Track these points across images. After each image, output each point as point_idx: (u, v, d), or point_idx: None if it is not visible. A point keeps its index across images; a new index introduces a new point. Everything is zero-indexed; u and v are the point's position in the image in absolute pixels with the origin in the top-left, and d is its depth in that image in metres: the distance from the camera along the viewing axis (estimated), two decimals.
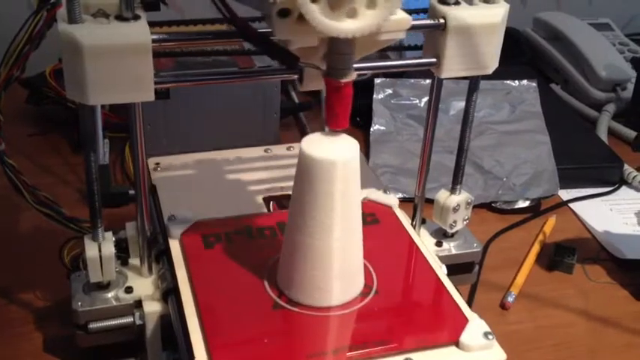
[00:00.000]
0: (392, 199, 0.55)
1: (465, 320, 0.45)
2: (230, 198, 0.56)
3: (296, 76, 0.45)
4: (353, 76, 0.43)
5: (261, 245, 0.50)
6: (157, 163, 0.59)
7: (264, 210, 0.55)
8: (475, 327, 0.44)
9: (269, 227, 0.52)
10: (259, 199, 0.56)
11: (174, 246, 0.49)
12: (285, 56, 0.41)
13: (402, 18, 0.43)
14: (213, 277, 0.47)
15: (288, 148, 0.62)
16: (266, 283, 0.47)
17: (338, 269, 0.44)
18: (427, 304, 0.48)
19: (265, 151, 0.62)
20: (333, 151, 0.43)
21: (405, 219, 0.54)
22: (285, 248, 0.46)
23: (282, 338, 0.44)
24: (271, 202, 0.56)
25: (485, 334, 0.43)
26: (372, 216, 0.54)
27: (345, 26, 0.39)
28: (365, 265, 0.47)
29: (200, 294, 0.45)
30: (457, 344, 0.43)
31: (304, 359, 0.41)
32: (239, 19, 0.39)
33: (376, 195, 0.56)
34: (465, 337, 0.43)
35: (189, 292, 0.46)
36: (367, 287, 0.47)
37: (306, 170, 0.43)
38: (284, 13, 0.39)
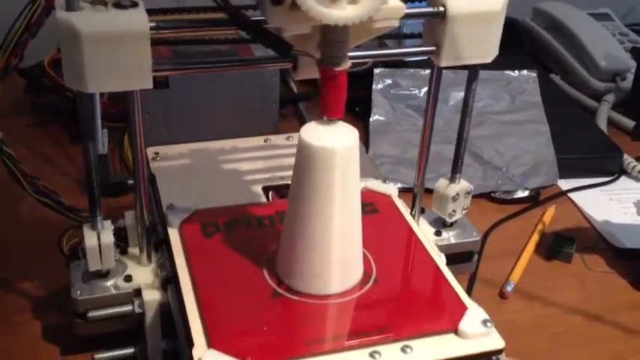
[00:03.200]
0: (391, 189, 0.55)
1: (463, 308, 0.45)
2: (229, 187, 0.56)
3: (290, 65, 0.45)
4: (348, 64, 0.42)
5: (260, 234, 0.50)
6: (156, 153, 0.59)
7: (263, 199, 0.55)
8: (474, 315, 0.44)
9: (268, 216, 0.52)
10: (258, 188, 0.56)
11: (174, 235, 0.49)
12: (278, 44, 0.41)
13: (396, 5, 0.43)
14: (212, 265, 0.47)
15: (288, 138, 0.62)
16: (265, 272, 0.47)
17: (337, 257, 0.44)
18: (426, 292, 0.48)
19: (265, 140, 0.62)
20: (333, 139, 0.43)
21: (404, 208, 0.54)
22: (285, 237, 0.46)
23: (282, 326, 0.44)
24: (270, 192, 0.56)
25: (484, 322, 0.43)
26: (371, 205, 0.53)
27: (339, 14, 0.39)
28: (364, 254, 0.47)
29: (199, 283, 0.45)
30: (456, 332, 0.43)
31: (303, 346, 0.41)
32: (231, 7, 0.39)
33: (375, 184, 0.55)
34: (463, 325, 0.43)
35: (188, 281, 0.45)
36: (366, 275, 0.47)
37: (305, 158, 0.43)
38: (277, 0, 0.39)
